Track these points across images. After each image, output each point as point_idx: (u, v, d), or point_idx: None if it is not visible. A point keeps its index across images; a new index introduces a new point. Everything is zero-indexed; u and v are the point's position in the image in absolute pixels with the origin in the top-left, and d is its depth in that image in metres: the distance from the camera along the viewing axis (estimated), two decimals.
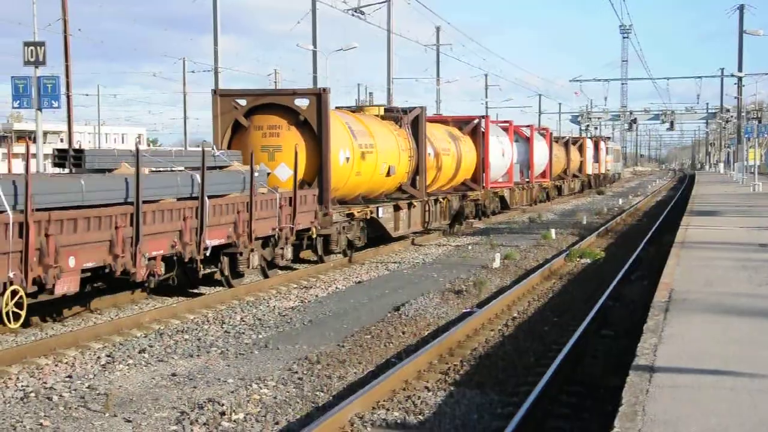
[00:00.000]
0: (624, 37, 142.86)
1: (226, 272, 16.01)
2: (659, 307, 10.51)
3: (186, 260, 14.53)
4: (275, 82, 60.05)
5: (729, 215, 25.98)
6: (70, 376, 10.39)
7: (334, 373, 10.48)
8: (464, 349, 11.65)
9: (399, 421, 8.56)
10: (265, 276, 17.46)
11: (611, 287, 15.86)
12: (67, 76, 33.20)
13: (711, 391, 6.98)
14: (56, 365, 10.95)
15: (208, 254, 14.91)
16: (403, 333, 12.81)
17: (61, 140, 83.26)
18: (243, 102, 19.69)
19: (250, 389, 9.74)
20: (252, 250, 16.16)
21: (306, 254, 20.48)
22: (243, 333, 12.84)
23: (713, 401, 6.72)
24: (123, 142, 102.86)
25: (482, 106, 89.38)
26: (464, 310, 14.63)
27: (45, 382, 10.14)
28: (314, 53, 47.22)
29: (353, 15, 41.16)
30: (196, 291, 16.10)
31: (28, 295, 11.38)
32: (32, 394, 9.62)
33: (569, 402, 9.27)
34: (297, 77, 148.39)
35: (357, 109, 24.40)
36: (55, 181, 12.56)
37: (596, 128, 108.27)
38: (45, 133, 44.60)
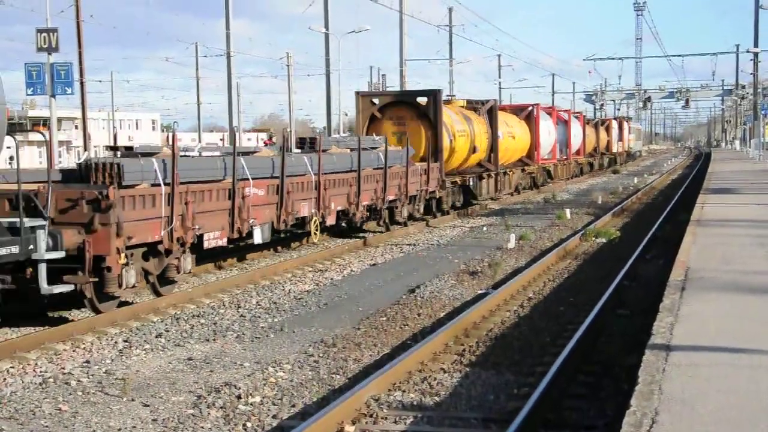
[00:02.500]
0: (638, 15, 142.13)
1: (387, 221, 22.94)
2: (675, 286, 10.44)
3: (377, 209, 21.85)
4: (288, 65, 59.98)
5: (745, 193, 25.81)
6: (87, 362, 10.46)
7: (350, 355, 10.50)
8: (480, 330, 11.64)
9: (415, 402, 8.56)
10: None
11: (627, 266, 15.80)
12: (80, 63, 33.26)
13: (728, 370, 6.94)
14: (74, 351, 11.02)
15: (387, 206, 22.24)
16: (419, 315, 12.82)
17: (76, 127, 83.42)
18: (377, 100, 27.05)
19: (267, 372, 9.77)
20: (404, 205, 23.37)
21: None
22: (259, 317, 12.88)
23: (731, 380, 6.68)
24: (137, 128, 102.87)
25: (496, 87, 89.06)
26: (479, 291, 14.61)
27: (63, 368, 10.21)
28: (326, 36, 47.09)
29: None
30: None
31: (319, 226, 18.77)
32: (50, 380, 9.69)
33: (586, 381, 9.25)
34: (309, 60, 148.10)
35: (446, 102, 29.78)
36: (326, 157, 19.25)
37: (618, 108, 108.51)
38: (59, 120, 44.71)
